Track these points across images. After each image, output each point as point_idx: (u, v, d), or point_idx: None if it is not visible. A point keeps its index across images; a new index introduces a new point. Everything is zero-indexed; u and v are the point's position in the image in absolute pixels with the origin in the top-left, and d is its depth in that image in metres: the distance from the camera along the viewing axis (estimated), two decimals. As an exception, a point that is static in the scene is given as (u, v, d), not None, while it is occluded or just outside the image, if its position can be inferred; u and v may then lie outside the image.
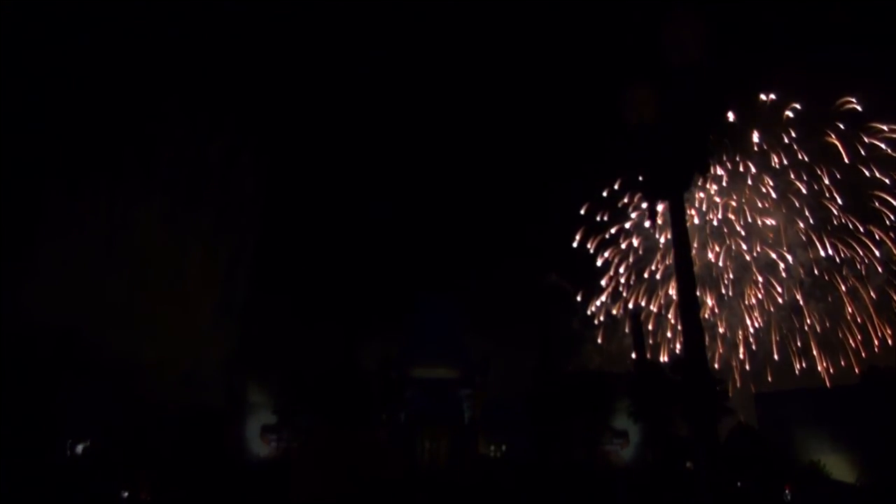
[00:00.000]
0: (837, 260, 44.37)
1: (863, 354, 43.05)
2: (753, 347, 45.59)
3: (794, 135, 45.32)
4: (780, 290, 45.82)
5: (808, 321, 44.80)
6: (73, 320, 29.44)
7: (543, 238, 51.52)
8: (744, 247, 45.99)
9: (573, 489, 29.81)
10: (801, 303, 44.89)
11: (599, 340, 52.66)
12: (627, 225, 50.96)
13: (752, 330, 46.07)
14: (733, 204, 47.04)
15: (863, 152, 44.32)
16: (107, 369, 30.21)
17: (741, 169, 46.53)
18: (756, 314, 46.23)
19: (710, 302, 46.73)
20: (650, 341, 48.10)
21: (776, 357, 45.06)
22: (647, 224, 48.81)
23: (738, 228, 46.42)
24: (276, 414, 37.75)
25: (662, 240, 48.08)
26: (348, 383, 36.59)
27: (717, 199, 47.30)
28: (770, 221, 45.42)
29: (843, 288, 44.19)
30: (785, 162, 45.41)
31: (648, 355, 46.89)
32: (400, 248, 52.53)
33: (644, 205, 48.22)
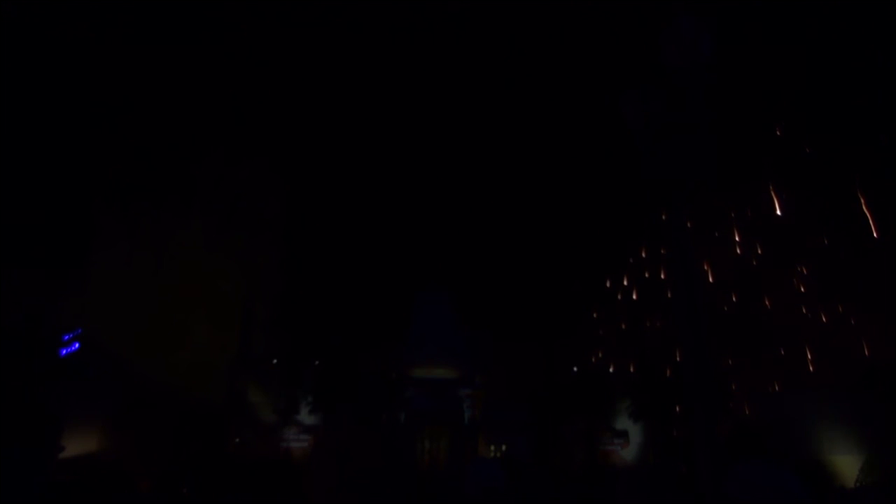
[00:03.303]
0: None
1: (866, 353, 42.58)
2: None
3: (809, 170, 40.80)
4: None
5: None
6: (82, 323, 29.75)
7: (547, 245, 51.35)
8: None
9: (573, 489, 29.81)
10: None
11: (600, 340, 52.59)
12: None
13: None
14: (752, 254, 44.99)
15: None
16: (111, 371, 30.43)
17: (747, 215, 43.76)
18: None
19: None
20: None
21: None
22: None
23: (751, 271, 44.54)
24: (277, 414, 37.89)
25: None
26: (349, 383, 36.71)
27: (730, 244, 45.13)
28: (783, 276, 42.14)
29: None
30: (796, 213, 41.30)
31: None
32: (401, 247, 52.62)
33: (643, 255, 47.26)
